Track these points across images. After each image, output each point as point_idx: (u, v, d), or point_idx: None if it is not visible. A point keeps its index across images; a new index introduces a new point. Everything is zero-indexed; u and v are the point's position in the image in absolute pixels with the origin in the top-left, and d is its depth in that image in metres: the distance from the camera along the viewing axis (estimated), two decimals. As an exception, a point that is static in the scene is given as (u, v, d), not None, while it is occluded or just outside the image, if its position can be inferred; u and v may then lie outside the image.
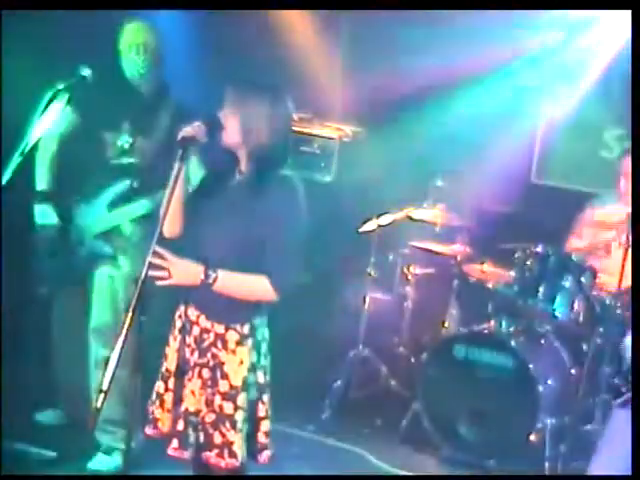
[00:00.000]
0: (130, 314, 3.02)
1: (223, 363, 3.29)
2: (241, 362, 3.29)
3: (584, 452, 4.96)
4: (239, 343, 3.30)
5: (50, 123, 3.92)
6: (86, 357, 4.60)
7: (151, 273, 3.11)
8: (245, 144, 3.31)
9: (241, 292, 3.28)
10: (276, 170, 3.33)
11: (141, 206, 4.41)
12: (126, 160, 4.53)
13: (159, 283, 3.17)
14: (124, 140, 4.52)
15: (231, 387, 3.28)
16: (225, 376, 3.29)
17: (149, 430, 3.43)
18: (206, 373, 3.31)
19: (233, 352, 3.30)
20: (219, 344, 3.30)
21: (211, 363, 3.30)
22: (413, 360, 5.96)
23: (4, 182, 3.64)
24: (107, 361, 2.97)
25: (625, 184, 5.20)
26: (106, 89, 4.43)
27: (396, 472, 4.96)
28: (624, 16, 5.43)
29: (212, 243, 3.30)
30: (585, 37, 6.22)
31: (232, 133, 3.30)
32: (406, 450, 5.30)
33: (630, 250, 4.78)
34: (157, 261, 3.13)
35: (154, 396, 3.42)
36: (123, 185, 4.49)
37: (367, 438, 5.40)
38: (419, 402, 5.30)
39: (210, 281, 3.21)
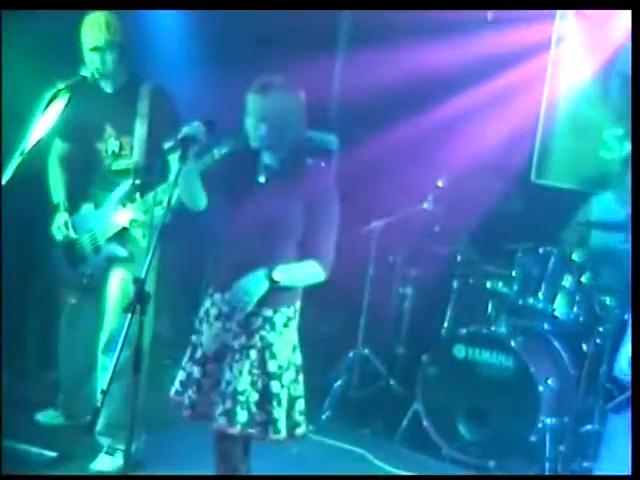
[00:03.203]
0: (130, 314, 3.02)
1: (271, 344, 3.48)
2: (288, 343, 3.51)
3: (584, 452, 4.98)
4: (286, 325, 3.51)
5: (50, 123, 3.92)
6: (88, 358, 4.60)
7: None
8: (271, 142, 3.48)
9: (300, 280, 3.54)
10: (303, 160, 3.55)
11: (145, 203, 4.41)
12: (124, 164, 4.53)
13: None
14: (112, 145, 4.52)
15: (279, 367, 3.48)
16: (274, 356, 3.48)
17: (187, 413, 3.59)
18: (254, 354, 3.47)
19: (281, 333, 3.50)
20: (267, 326, 3.48)
21: (259, 345, 3.48)
22: (413, 360, 5.95)
23: (4, 182, 3.64)
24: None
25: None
26: (85, 97, 4.42)
27: (396, 472, 4.96)
28: (624, 16, 5.44)
29: (256, 242, 3.48)
30: (585, 37, 6.22)
31: (258, 134, 3.45)
32: (406, 450, 5.30)
33: (630, 250, 4.78)
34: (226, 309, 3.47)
35: (188, 381, 3.58)
36: (126, 185, 4.50)
37: (367, 438, 5.40)
38: (419, 402, 5.30)
39: (277, 280, 3.41)
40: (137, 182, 4.48)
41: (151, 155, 4.47)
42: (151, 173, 4.42)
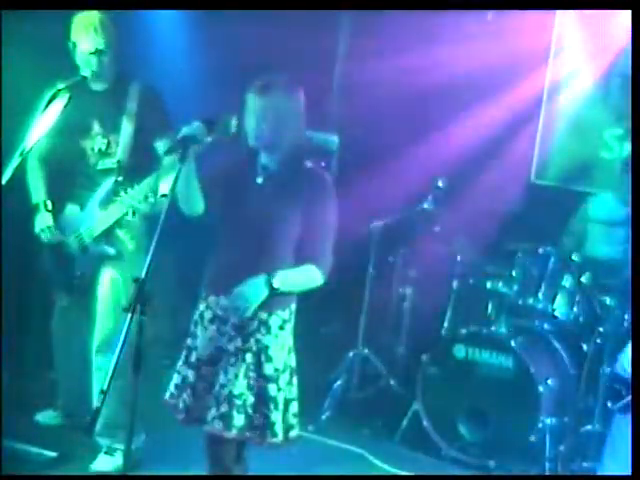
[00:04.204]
0: (130, 314, 3.02)
1: (267, 347, 3.46)
2: (283, 345, 3.49)
3: (584, 452, 4.98)
4: (281, 327, 3.49)
5: (50, 123, 3.92)
6: (83, 358, 4.59)
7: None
8: (270, 142, 3.46)
9: (300, 286, 3.50)
10: (302, 163, 3.51)
11: (128, 200, 4.31)
12: (110, 163, 4.47)
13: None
14: (99, 143, 4.48)
15: (275, 370, 3.46)
16: (270, 359, 3.46)
17: (181, 417, 3.57)
18: (250, 357, 3.45)
19: (276, 336, 3.48)
20: (263, 329, 3.46)
21: (255, 348, 3.46)
22: (413, 360, 5.95)
23: (4, 182, 3.64)
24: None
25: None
26: (75, 95, 4.38)
27: (396, 472, 4.95)
28: (624, 16, 5.44)
29: (252, 244, 3.45)
30: (585, 37, 6.22)
31: (256, 134, 3.43)
32: (406, 450, 5.29)
33: (630, 250, 4.78)
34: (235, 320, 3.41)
35: (183, 385, 3.56)
36: (109, 183, 4.43)
37: (367, 438, 5.40)
38: (419, 402, 5.30)
39: (277, 287, 3.38)
40: (119, 179, 4.42)
41: (137, 153, 4.43)
42: (135, 171, 4.36)
